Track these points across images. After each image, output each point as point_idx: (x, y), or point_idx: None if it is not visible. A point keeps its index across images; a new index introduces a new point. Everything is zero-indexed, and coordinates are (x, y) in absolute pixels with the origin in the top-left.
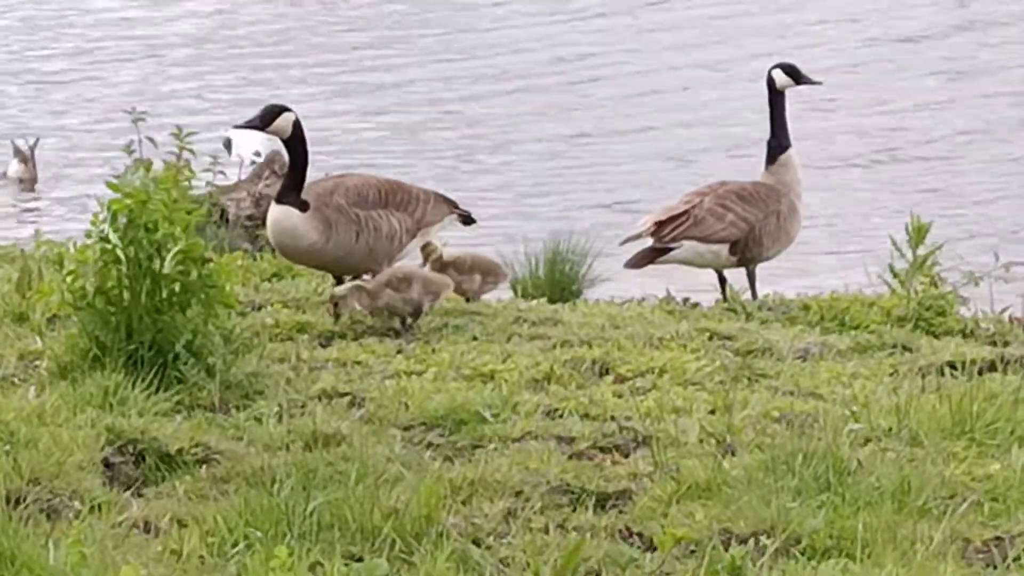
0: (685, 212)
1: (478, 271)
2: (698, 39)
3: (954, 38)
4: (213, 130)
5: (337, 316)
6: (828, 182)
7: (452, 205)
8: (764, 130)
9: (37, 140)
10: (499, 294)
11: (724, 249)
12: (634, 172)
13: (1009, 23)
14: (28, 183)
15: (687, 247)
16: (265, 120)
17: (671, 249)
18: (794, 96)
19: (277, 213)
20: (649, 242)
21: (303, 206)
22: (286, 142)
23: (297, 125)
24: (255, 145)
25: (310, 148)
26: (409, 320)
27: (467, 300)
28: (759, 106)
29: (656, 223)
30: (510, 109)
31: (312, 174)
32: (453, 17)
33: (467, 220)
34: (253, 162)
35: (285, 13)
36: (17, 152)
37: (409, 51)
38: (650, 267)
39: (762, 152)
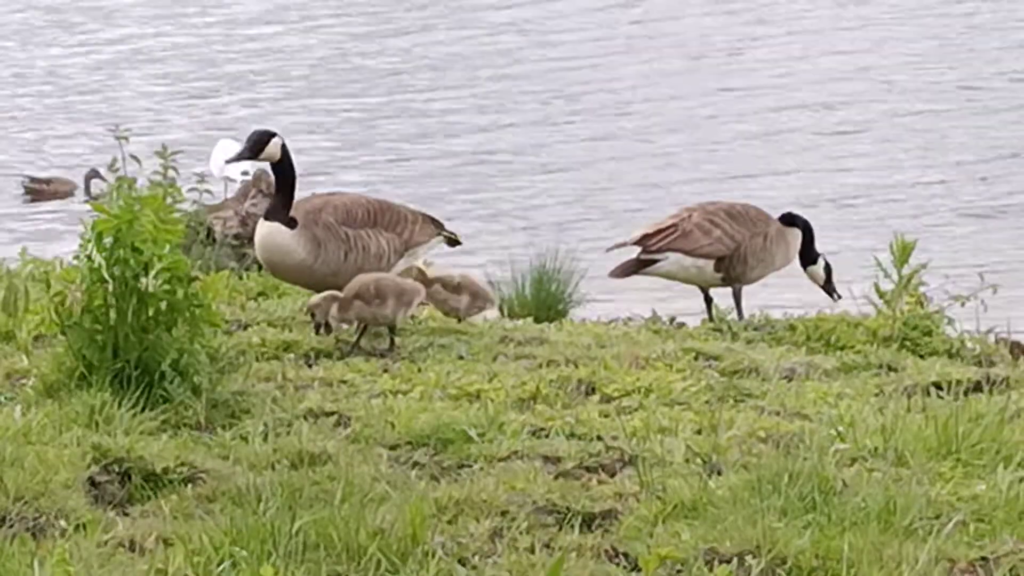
0: (673, 225)
1: (467, 292)
2: (699, 64)
3: (944, 58)
4: (201, 140)
5: (317, 326)
6: (815, 203)
7: (439, 226)
8: (761, 159)
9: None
10: (485, 313)
11: (709, 265)
12: (625, 194)
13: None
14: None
15: (672, 259)
16: (255, 150)
17: (656, 260)
18: (781, 125)
19: (265, 230)
20: (635, 253)
21: (291, 223)
22: (274, 166)
23: (284, 149)
24: (242, 164)
25: (301, 164)
26: (387, 333)
27: (458, 320)
28: (758, 135)
29: (643, 234)
30: (500, 132)
31: (300, 193)
32: (447, 41)
33: (453, 241)
34: (243, 181)
35: (288, 41)
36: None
37: (402, 73)
38: (642, 287)
39: (760, 181)
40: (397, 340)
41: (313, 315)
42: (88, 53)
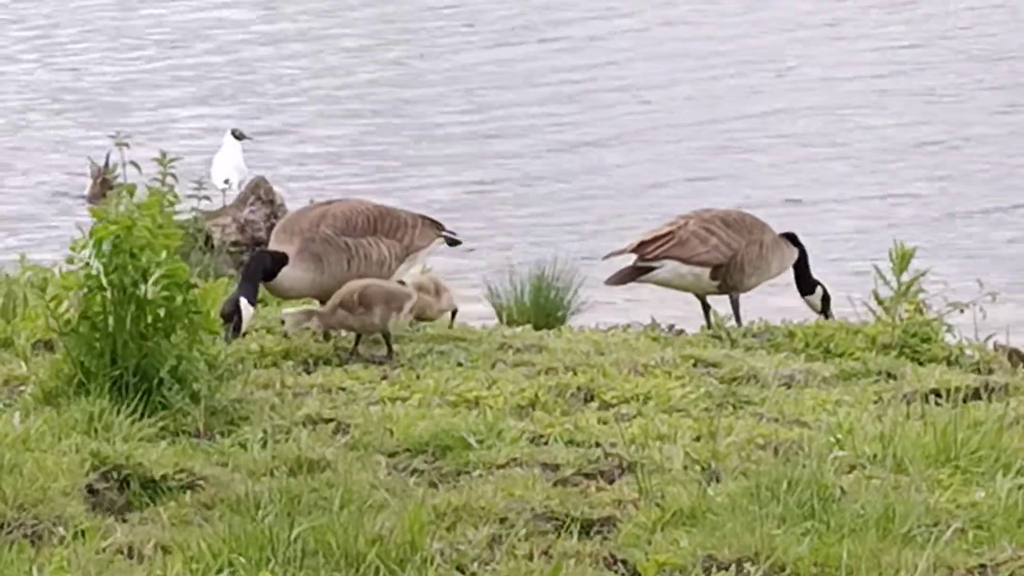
0: (669, 232)
1: (445, 293)
2: (710, 74)
3: (944, 55)
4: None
5: (286, 335)
6: (816, 208)
7: (439, 227)
8: (764, 167)
9: (108, 156)
10: (484, 320)
11: (706, 272)
12: (627, 201)
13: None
14: (97, 199)
15: (669, 267)
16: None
17: (653, 268)
18: (785, 133)
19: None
20: (632, 260)
21: (284, 258)
22: None
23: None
24: (226, 173)
25: (300, 172)
26: (385, 336)
27: (452, 318)
28: (763, 144)
29: (640, 242)
30: (501, 137)
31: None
32: (452, 47)
33: (453, 241)
34: (224, 189)
35: (295, 53)
36: (92, 166)
37: (404, 74)
38: (641, 295)
39: (764, 188)
40: (396, 347)
41: (283, 323)
42: (95, 64)
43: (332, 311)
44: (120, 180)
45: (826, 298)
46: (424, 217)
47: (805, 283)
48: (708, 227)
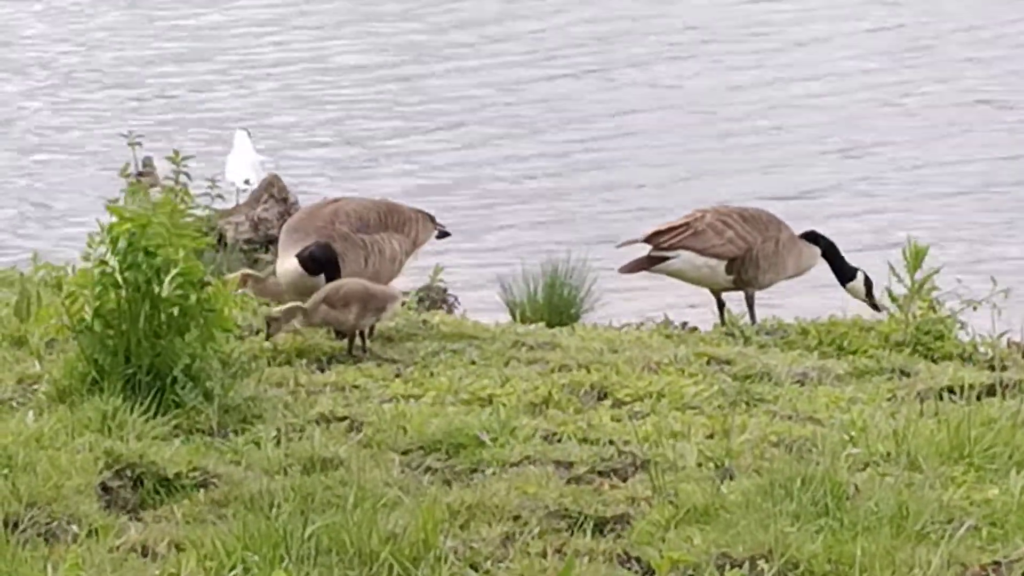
0: (685, 224)
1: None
2: (726, 70)
3: (952, 55)
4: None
5: (269, 336)
6: (826, 205)
7: (433, 221)
8: (777, 163)
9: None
10: (497, 317)
11: (720, 265)
12: (641, 200)
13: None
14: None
15: (684, 257)
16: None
17: (667, 258)
18: (798, 129)
19: (290, 266)
20: (646, 250)
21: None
22: None
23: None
24: (246, 172)
25: (306, 160)
26: (349, 336)
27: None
28: (778, 140)
29: (654, 231)
30: (513, 134)
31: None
32: (463, 42)
33: (442, 234)
34: (244, 189)
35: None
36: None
37: (417, 68)
38: (655, 292)
39: (776, 185)
40: (368, 344)
41: (268, 325)
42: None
43: (315, 307)
44: (133, 178)
45: (868, 282)
46: (422, 211)
47: (842, 272)
48: (724, 220)
